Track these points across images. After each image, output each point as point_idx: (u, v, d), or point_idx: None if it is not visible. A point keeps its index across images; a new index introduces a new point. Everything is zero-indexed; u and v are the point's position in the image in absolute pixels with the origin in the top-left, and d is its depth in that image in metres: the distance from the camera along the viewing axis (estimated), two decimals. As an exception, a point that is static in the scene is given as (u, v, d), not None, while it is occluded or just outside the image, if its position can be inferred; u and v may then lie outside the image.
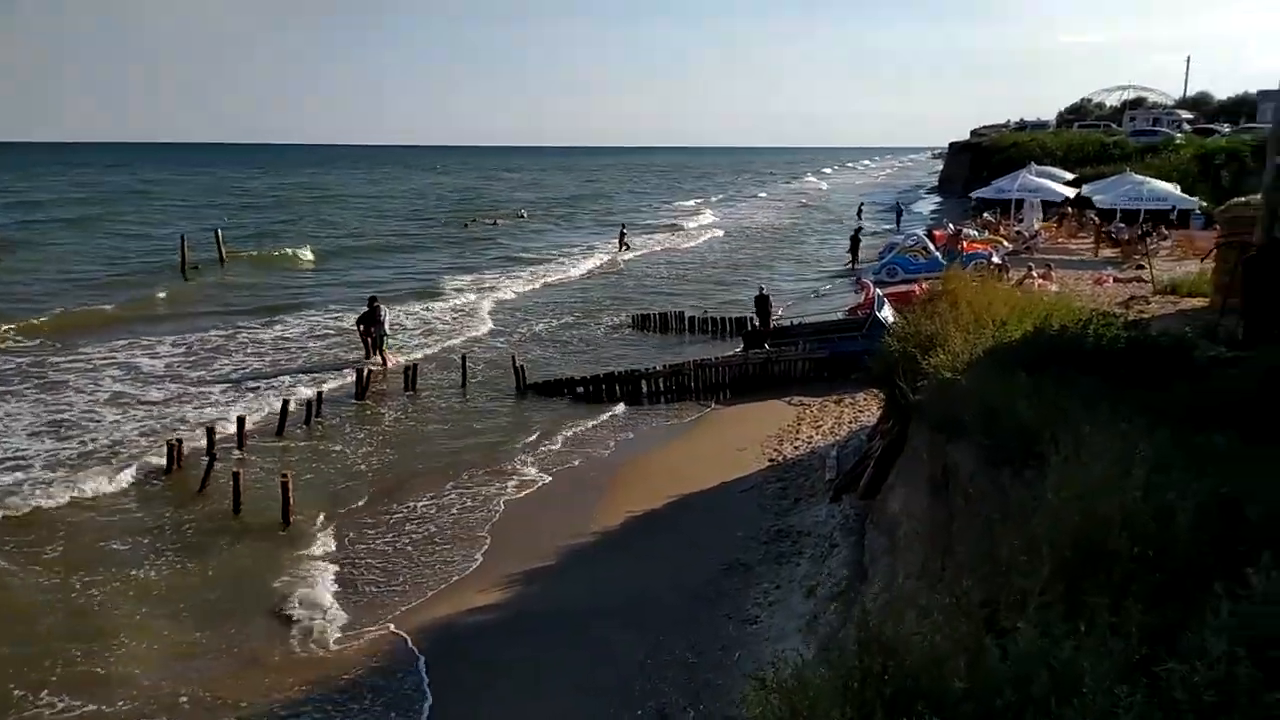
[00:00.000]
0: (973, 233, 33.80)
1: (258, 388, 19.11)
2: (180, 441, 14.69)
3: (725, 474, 13.26)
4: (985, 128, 77.90)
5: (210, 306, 28.54)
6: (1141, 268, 27.58)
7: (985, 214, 40.21)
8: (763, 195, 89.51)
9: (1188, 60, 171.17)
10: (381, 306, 21.41)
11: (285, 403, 16.65)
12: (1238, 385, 4.70)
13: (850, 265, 35.63)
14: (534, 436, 15.66)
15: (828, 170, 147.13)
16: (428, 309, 28.41)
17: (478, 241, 48.11)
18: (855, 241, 36.35)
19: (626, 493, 12.76)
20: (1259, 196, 8.85)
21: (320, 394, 17.53)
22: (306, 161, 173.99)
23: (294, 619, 9.68)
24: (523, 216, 62.27)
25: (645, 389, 18.63)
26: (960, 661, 2.39)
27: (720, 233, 52.40)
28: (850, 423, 15.16)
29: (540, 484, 13.50)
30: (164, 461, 14.20)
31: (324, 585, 10.41)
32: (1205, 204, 31.26)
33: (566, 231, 54.14)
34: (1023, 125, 71.47)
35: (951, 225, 36.01)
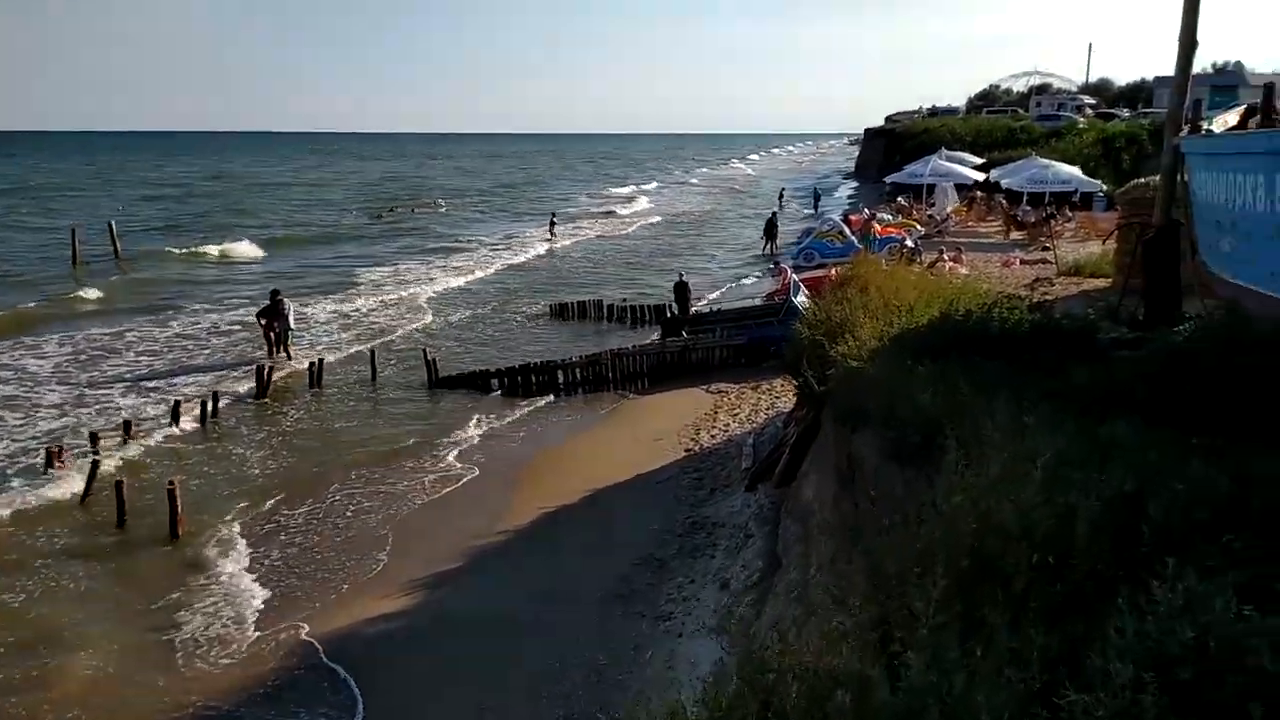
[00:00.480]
0: (887, 217, 34.27)
1: (152, 388, 18.04)
2: (61, 449, 13.72)
3: (641, 465, 12.98)
4: (899, 114, 79.46)
5: (103, 305, 26.92)
6: (1047, 249, 28.35)
7: (900, 198, 40.90)
8: (694, 181, 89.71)
9: (1089, 47, 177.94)
10: (285, 300, 20.47)
11: (177, 404, 15.74)
12: (1140, 369, 4.60)
13: (768, 251, 35.76)
14: (444, 432, 15.13)
15: (754, 157, 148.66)
16: (337, 302, 27.40)
17: (394, 232, 46.74)
18: (770, 227, 36.36)
19: (539, 488, 12.38)
20: (1157, 178, 8.95)
21: (216, 394, 16.62)
22: (209, 149, 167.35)
23: (182, 637, 9.05)
24: (441, 206, 60.87)
25: (562, 380, 18.22)
26: (846, 697, 2.12)
27: (652, 219, 52.17)
28: (768, 409, 15.07)
29: (449, 481, 13.00)
30: (42, 469, 13.23)
31: (217, 598, 9.78)
32: (1107, 186, 32.32)
33: (490, 220, 53.06)
34: (934, 111, 73.07)
35: (867, 210, 36.50)
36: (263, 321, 20.21)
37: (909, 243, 28.20)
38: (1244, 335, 4.47)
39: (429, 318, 25.16)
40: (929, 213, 35.97)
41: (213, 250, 38.06)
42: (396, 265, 34.99)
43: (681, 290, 23.09)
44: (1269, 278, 5.53)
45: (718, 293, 28.03)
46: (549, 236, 42.79)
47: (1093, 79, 75.54)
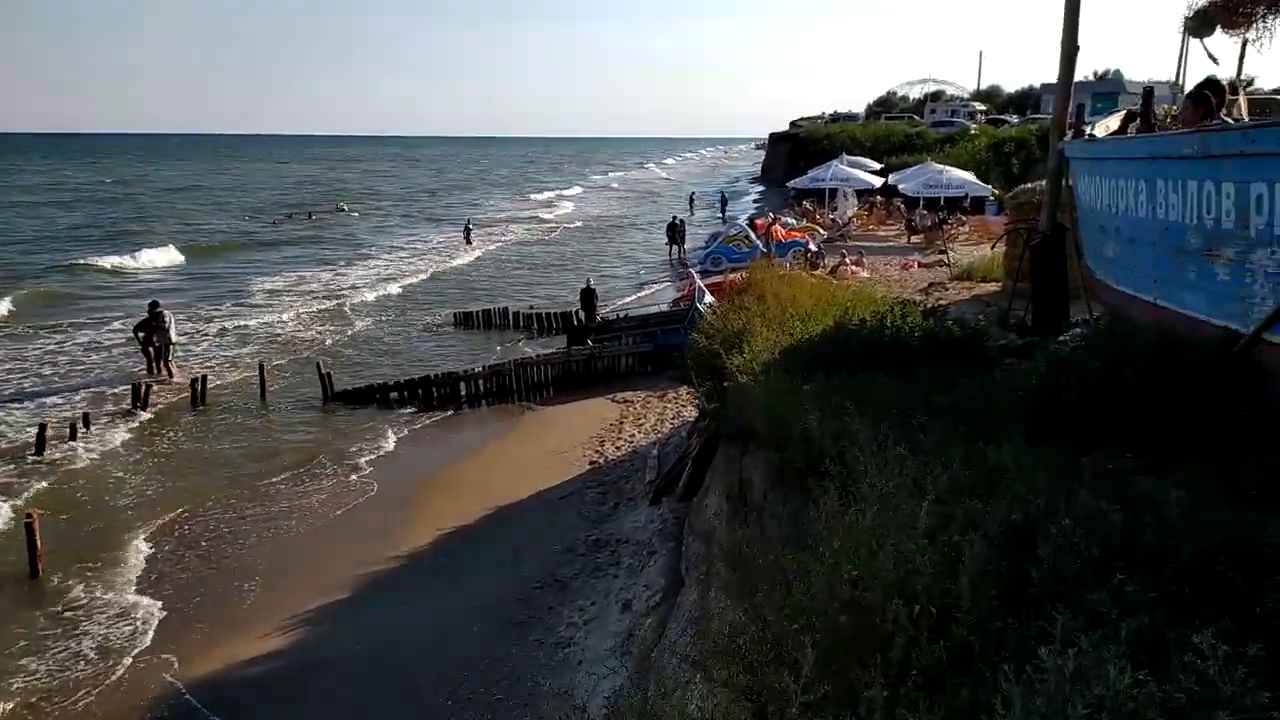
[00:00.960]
0: (791, 221, 34.69)
1: (19, 409, 16.65)
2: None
3: (544, 480, 12.58)
4: (803, 119, 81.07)
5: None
6: (944, 253, 29.16)
7: (804, 202, 41.54)
8: (614, 185, 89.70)
9: (980, 55, 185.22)
10: (166, 312, 19.19)
11: (43, 427, 14.55)
12: (1027, 383, 4.47)
13: (674, 256, 35.71)
14: (336, 451, 14.39)
15: (670, 161, 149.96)
16: (229, 313, 26.07)
17: (297, 238, 44.96)
18: (674, 231, 36.12)
19: (437, 508, 11.84)
20: (1043, 183, 9.07)
21: (88, 415, 15.47)
22: (89, 152, 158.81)
23: (36, 682, 8.21)
24: (344, 209, 59.00)
25: (464, 392, 17.66)
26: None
27: (568, 224, 51.73)
28: (673, 419, 14.86)
29: (339, 504, 12.31)
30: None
31: (79, 638, 8.95)
32: (998, 191, 33.46)
33: (400, 226, 51.64)
34: (836, 117, 74.82)
35: (771, 214, 36.91)
36: (141, 335, 18.95)
37: (812, 247, 28.58)
38: (1128, 346, 4.39)
39: (329, 328, 24.15)
40: (831, 217, 36.61)
41: (111, 261, 35.55)
42: (297, 273, 33.60)
43: (588, 297, 22.74)
44: (1152, 284, 5.53)
45: (631, 298, 27.80)
46: (466, 244, 41.73)
47: (983, 86, 78.60)
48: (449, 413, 16.75)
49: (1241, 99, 7.78)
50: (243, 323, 24.91)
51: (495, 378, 17.70)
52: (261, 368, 18.17)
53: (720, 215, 48.52)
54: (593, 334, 19.68)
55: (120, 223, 49.66)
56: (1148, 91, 6.68)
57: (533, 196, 72.97)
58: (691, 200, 57.80)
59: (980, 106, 65.99)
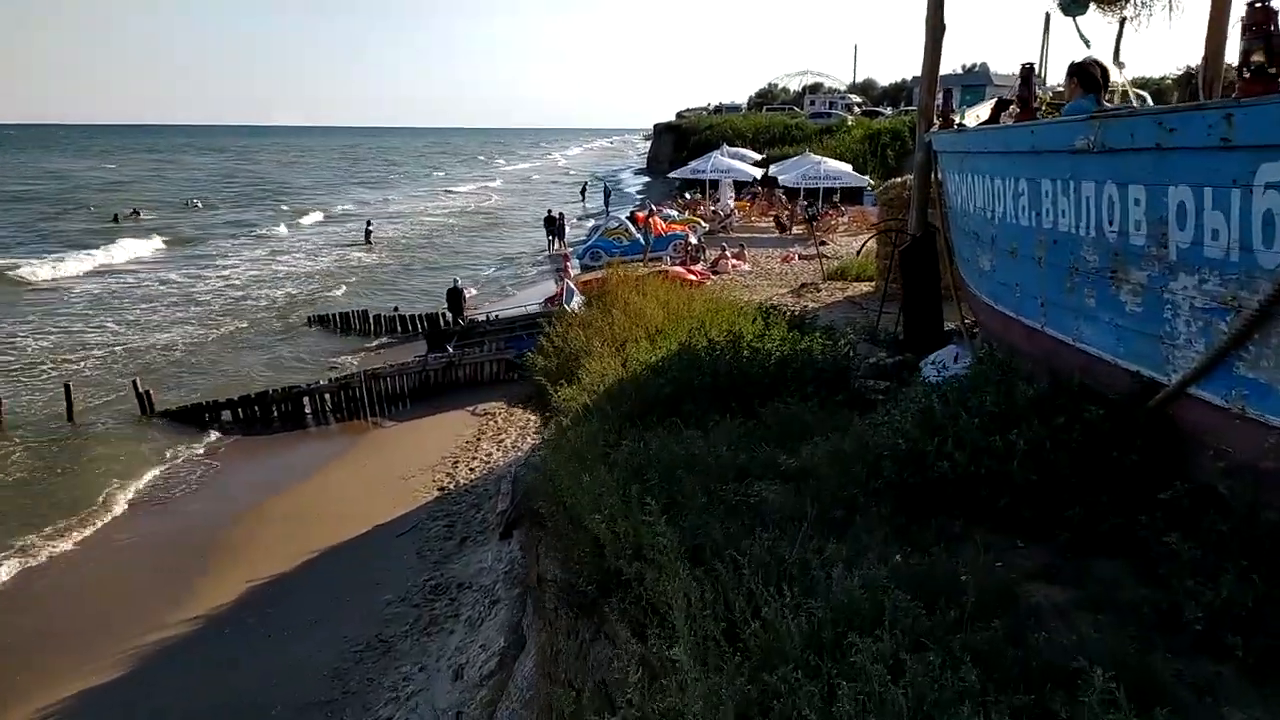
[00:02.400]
0: (673, 214, 33.89)
1: None
2: None
3: (383, 512, 11.15)
4: (688, 110, 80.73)
5: None
6: (824, 244, 28.91)
7: (687, 194, 40.86)
8: (517, 170, 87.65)
9: (855, 48, 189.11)
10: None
11: None
12: (889, 441, 3.48)
13: (554, 250, 34.37)
14: (143, 481, 12.53)
15: (574, 151, 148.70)
16: (37, 323, 23.27)
17: (133, 237, 41.22)
18: (552, 224, 34.71)
19: (250, 551, 10.24)
20: (913, 177, 8.24)
21: None
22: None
23: None
24: (196, 206, 54.92)
25: (309, 408, 15.95)
26: None
27: (456, 218, 49.62)
28: (536, 432, 13.60)
29: (130, 551, 10.50)
30: None
31: None
32: (874, 182, 33.54)
33: (257, 222, 48.19)
34: (719, 108, 74.76)
35: (653, 206, 36.03)
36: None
37: (693, 239, 27.80)
38: (1014, 399, 3.46)
39: (166, 336, 21.75)
40: (713, 209, 36.02)
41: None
42: (135, 277, 30.64)
43: (455, 297, 21.19)
44: (1039, 308, 4.56)
45: (505, 299, 26.32)
46: (365, 243, 38.91)
47: (859, 79, 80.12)
48: (288, 432, 15.04)
49: (1126, 83, 7.01)
50: (50, 332, 22.24)
51: (343, 391, 16.05)
52: (68, 387, 15.88)
53: (604, 207, 47.42)
54: (455, 339, 18.19)
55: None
56: (1027, 71, 5.45)
57: (431, 187, 70.36)
58: (584, 190, 56.46)
59: (857, 99, 67.07)
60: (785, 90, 78.05)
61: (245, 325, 23.07)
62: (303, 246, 38.81)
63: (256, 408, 15.68)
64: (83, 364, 19.04)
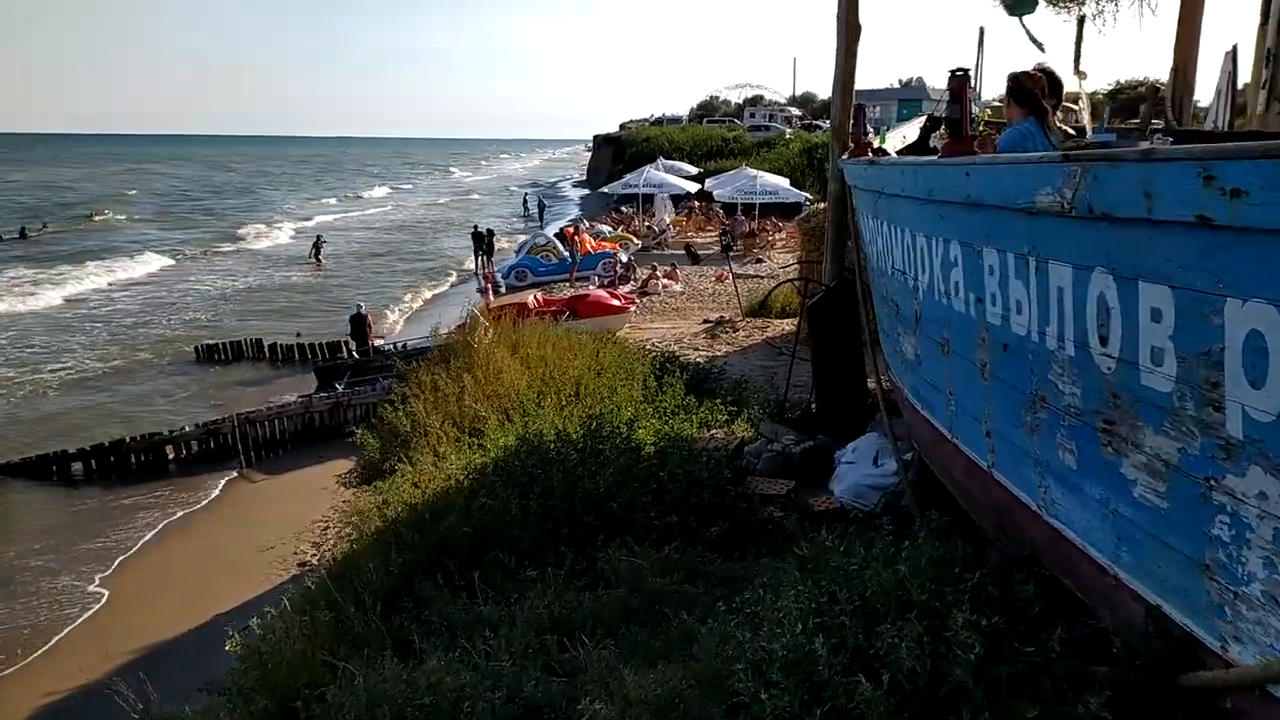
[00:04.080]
0: (606, 229, 32.56)
1: None
2: None
3: (223, 598, 9.40)
4: (631, 121, 79.77)
5: None
6: (761, 261, 27.84)
7: (623, 208, 39.58)
8: (459, 177, 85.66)
9: (794, 61, 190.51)
10: None
11: None
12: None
13: (480, 269, 32.59)
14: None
15: (516, 166, 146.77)
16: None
17: (37, 254, 38.44)
18: (480, 241, 32.63)
19: (52, 660, 8.46)
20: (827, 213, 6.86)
21: None
22: None
23: None
24: (106, 213, 51.98)
25: (172, 456, 14.10)
26: None
27: (387, 232, 47.62)
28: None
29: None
30: None
31: None
32: (811, 197, 32.64)
33: (161, 233, 45.58)
34: (661, 120, 73.87)
35: (585, 222, 34.67)
36: None
37: (623, 258, 26.49)
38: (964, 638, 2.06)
39: (12, 373, 19.50)
40: (649, 225, 34.80)
41: None
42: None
43: (359, 324, 19.44)
44: (984, 439, 3.01)
45: (431, 322, 24.49)
46: (315, 259, 36.25)
47: (798, 92, 80.00)
48: (144, 485, 13.17)
49: (1083, 97, 5.63)
50: None
51: (212, 438, 14.22)
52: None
53: (539, 221, 45.89)
54: (346, 375, 16.42)
55: None
56: (959, 81, 3.37)
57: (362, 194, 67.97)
58: (525, 202, 54.79)
59: (796, 112, 66.74)
60: (726, 103, 77.56)
61: (120, 361, 20.79)
62: (222, 265, 36.46)
63: (111, 457, 13.81)
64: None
